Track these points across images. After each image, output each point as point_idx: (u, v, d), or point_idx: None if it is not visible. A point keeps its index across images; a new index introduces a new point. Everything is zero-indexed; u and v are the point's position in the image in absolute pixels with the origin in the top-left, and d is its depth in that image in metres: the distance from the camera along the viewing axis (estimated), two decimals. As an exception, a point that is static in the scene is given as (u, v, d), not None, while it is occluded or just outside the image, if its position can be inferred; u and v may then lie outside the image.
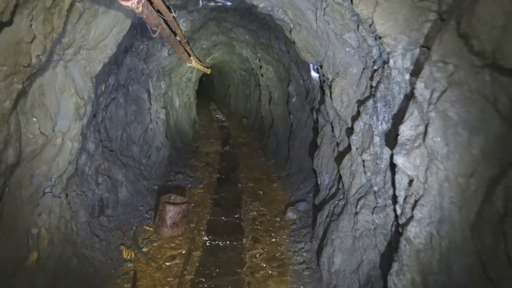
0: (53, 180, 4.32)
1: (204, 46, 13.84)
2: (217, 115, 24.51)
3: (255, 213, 7.72)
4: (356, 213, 4.60)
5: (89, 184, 6.00)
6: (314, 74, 7.92)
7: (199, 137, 16.06)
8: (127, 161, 7.67)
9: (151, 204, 7.57)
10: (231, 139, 16.42)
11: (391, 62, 3.79)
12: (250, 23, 10.70)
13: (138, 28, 7.30)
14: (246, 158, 12.85)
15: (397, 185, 3.46)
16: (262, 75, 13.29)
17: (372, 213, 4.29)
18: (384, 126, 4.21)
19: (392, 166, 3.85)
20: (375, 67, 4.41)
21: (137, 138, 8.21)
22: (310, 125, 9.84)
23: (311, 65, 7.96)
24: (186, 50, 9.77)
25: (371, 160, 4.41)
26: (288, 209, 7.44)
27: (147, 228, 6.65)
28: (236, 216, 7.59)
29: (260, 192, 9.09)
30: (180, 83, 14.15)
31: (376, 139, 4.32)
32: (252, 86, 19.33)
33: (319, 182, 6.97)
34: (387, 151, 4.19)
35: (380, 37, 3.80)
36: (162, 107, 9.23)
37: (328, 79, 5.61)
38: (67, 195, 4.99)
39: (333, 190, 6.08)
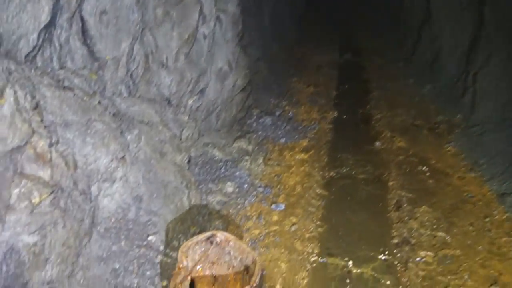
0: None
1: None
2: None
3: (441, 252, 3.20)
4: None
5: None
6: None
7: (307, 36, 11.10)
8: (143, 111, 3.50)
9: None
10: (352, 40, 11.19)
11: None
12: None
13: None
14: (381, 77, 7.81)
15: None
16: None
17: None
18: None
19: None
20: None
21: (171, 57, 3.88)
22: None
23: None
24: None
25: None
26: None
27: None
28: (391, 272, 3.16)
29: (425, 168, 4.39)
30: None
31: None
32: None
33: None
34: None
35: None
36: (232, -12, 4.60)
37: None
38: None
39: None
